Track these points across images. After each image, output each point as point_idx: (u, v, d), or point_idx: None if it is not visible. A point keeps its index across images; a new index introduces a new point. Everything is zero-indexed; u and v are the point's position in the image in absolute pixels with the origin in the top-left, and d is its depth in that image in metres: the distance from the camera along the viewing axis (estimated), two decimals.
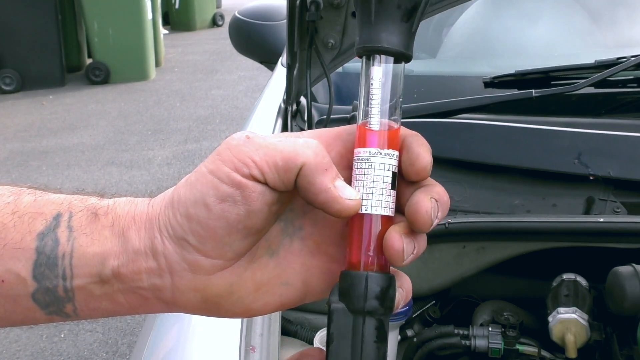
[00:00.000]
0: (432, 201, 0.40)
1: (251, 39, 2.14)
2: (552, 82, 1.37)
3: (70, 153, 4.80)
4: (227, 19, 4.68)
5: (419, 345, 1.12)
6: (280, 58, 1.93)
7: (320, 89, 1.58)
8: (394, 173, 0.41)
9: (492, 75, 1.41)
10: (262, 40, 2.10)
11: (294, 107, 1.45)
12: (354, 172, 0.42)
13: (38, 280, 0.40)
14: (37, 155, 4.76)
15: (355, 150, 0.42)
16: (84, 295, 0.41)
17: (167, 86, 6.77)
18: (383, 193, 0.41)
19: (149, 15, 6.87)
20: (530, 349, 1.08)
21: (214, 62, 7.93)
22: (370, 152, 0.41)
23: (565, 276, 1.10)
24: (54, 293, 0.41)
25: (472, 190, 1.18)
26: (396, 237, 0.40)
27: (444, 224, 1.04)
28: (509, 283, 1.23)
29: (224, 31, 8.71)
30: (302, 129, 1.42)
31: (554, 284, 1.10)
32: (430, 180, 0.42)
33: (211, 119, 5.59)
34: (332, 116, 1.26)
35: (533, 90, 1.23)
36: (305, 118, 1.34)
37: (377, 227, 0.41)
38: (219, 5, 11.02)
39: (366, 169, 0.41)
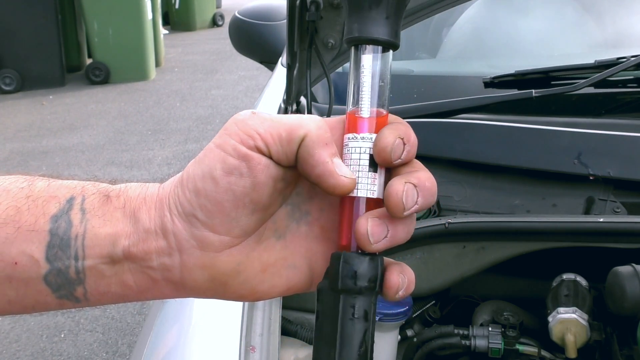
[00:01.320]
0: (408, 185, 0.40)
1: (251, 39, 2.14)
2: (552, 82, 1.37)
3: (70, 153, 4.80)
4: (227, 19, 4.68)
5: (419, 345, 1.12)
6: (280, 58, 1.93)
7: (320, 89, 1.58)
8: (371, 155, 0.42)
9: (492, 75, 1.41)
10: (262, 40, 2.10)
11: (294, 107, 1.45)
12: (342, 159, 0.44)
13: (51, 261, 0.41)
14: (37, 155, 4.76)
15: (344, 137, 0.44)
16: (95, 277, 0.42)
17: (167, 86, 6.77)
18: (360, 176, 0.42)
19: (149, 15, 6.87)
20: (530, 349, 1.08)
21: (214, 62, 7.93)
22: (348, 138, 0.43)
23: (565, 276, 1.10)
24: (65, 275, 0.41)
25: (472, 190, 1.18)
26: (362, 221, 0.40)
27: (444, 224, 1.04)
28: (509, 283, 1.23)
29: (224, 31, 8.72)
30: None
31: (554, 284, 1.10)
32: (417, 166, 0.42)
33: (211, 119, 5.60)
34: (332, 116, 1.25)
35: (533, 90, 1.23)
36: None
37: (357, 209, 0.42)
38: (219, 5, 11.02)
39: (346, 154, 0.43)
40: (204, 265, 0.42)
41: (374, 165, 0.42)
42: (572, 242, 1.06)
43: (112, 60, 6.75)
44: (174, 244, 0.41)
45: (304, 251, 0.44)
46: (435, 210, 1.15)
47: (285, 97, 1.44)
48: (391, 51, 0.43)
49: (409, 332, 1.15)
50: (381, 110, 0.43)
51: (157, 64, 7.41)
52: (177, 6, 10.04)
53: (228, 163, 0.40)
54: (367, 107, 0.43)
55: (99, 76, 6.77)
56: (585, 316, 1.03)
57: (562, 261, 1.16)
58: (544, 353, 1.07)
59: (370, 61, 0.43)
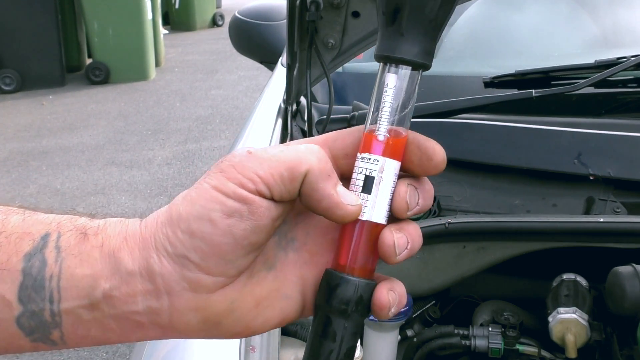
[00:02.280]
0: (410, 187, 0.42)
1: (251, 39, 2.14)
2: (552, 82, 1.37)
3: (70, 153, 4.80)
4: (227, 19, 4.68)
5: (419, 345, 1.12)
6: (280, 58, 1.93)
7: (320, 89, 1.58)
8: (366, 177, 0.41)
9: (492, 75, 1.41)
10: (262, 40, 2.10)
11: (294, 107, 1.45)
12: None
13: (24, 303, 0.38)
14: (37, 155, 4.76)
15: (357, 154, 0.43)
16: (72, 321, 0.39)
17: (167, 86, 6.77)
18: (362, 198, 0.42)
19: (149, 15, 6.87)
20: (530, 349, 1.08)
21: (214, 62, 7.93)
22: (360, 157, 0.42)
23: (565, 276, 1.10)
24: (39, 317, 0.39)
25: (472, 190, 1.18)
26: (387, 234, 0.41)
27: (444, 224, 1.04)
28: (509, 283, 1.23)
29: (224, 31, 8.71)
30: (302, 129, 1.42)
31: (554, 284, 1.10)
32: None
33: (211, 119, 5.59)
34: (332, 116, 1.26)
35: (533, 90, 1.23)
36: (305, 118, 1.34)
37: (362, 229, 0.42)
38: (219, 5, 11.02)
39: (354, 172, 0.42)
40: (197, 308, 0.40)
41: (367, 187, 0.42)
42: (572, 242, 1.06)
43: (112, 60, 6.75)
44: (161, 287, 0.39)
45: (296, 279, 0.43)
46: (435, 210, 1.15)
47: (285, 97, 1.44)
48: (421, 71, 0.42)
49: (409, 332, 1.15)
50: (399, 131, 0.42)
51: (157, 64, 7.41)
52: (177, 6, 10.04)
53: (228, 206, 0.38)
54: (384, 129, 0.41)
55: (99, 76, 6.76)
56: (585, 316, 1.02)
57: (562, 261, 1.16)
58: (544, 353, 1.07)
59: (394, 81, 0.41)
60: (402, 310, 1.04)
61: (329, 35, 1.19)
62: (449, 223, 1.04)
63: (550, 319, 1.04)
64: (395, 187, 0.42)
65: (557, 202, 1.14)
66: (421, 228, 1.02)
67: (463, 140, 1.20)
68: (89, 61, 7.09)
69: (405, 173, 0.43)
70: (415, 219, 1.08)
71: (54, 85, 6.51)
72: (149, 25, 6.86)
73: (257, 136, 1.38)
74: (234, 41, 2.20)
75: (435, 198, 1.16)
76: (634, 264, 0.99)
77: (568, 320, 1.02)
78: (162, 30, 7.94)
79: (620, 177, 1.12)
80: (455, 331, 1.09)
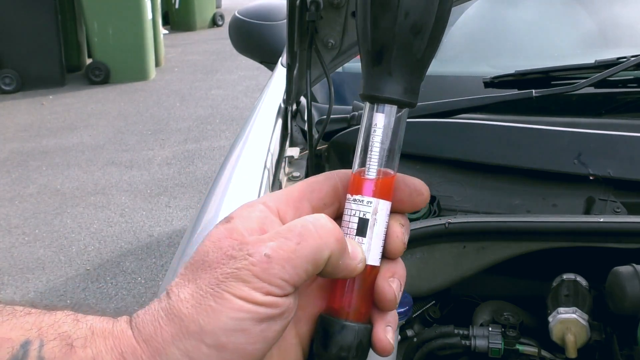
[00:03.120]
0: (402, 227, 0.42)
1: (251, 39, 2.14)
2: (552, 82, 1.37)
3: (70, 153, 4.80)
4: (227, 19, 4.68)
5: (419, 345, 1.12)
6: (280, 58, 1.93)
7: (320, 89, 1.58)
8: (360, 219, 0.41)
9: (492, 75, 1.41)
10: (262, 40, 2.10)
11: (294, 107, 1.45)
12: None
13: None
14: (37, 155, 4.76)
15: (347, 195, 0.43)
16: None
17: (167, 86, 6.77)
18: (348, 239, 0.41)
19: (149, 15, 6.87)
20: (530, 349, 1.08)
21: (214, 62, 7.93)
22: (349, 199, 0.42)
23: (565, 276, 1.10)
24: None
25: (472, 190, 1.17)
26: (386, 287, 0.41)
27: (444, 224, 1.04)
28: (509, 283, 1.23)
29: (224, 31, 8.70)
30: (302, 129, 1.42)
31: (554, 284, 1.10)
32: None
33: (211, 119, 5.59)
34: (332, 116, 1.26)
35: (533, 90, 1.23)
36: (305, 118, 1.34)
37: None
38: (219, 5, 11.01)
39: (345, 214, 0.42)
40: None
41: (362, 230, 0.41)
42: (572, 242, 1.06)
43: (112, 60, 6.75)
44: None
45: (295, 340, 0.43)
46: (435, 210, 1.15)
47: (285, 97, 1.44)
48: (407, 110, 0.42)
49: (409, 332, 1.14)
50: (389, 170, 0.42)
51: (157, 64, 7.41)
52: (177, 6, 10.04)
53: (260, 313, 0.36)
54: (374, 170, 0.41)
55: (99, 76, 6.76)
56: (585, 316, 1.02)
57: (562, 261, 1.15)
58: (544, 353, 1.07)
59: (382, 120, 0.41)
60: (403, 310, 1.04)
61: (329, 35, 1.19)
62: (449, 223, 1.03)
63: (550, 319, 1.04)
64: (387, 228, 0.42)
65: (557, 202, 1.14)
66: (421, 228, 1.03)
67: (463, 140, 1.20)
68: (89, 61, 7.09)
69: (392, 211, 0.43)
70: (415, 219, 1.08)
71: (54, 85, 6.51)
72: (149, 25, 6.86)
73: (257, 136, 1.38)
74: (234, 41, 2.20)
75: (435, 198, 1.16)
76: (634, 264, 0.99)
77: (568, 320, 1.02)
78: (162, 30, 7.94)
79: (620, 177, 1.12)
80: (455, 331, 1.09)
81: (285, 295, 0.37)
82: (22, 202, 3.98)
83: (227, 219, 0.40)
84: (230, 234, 0.39)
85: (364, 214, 0.41)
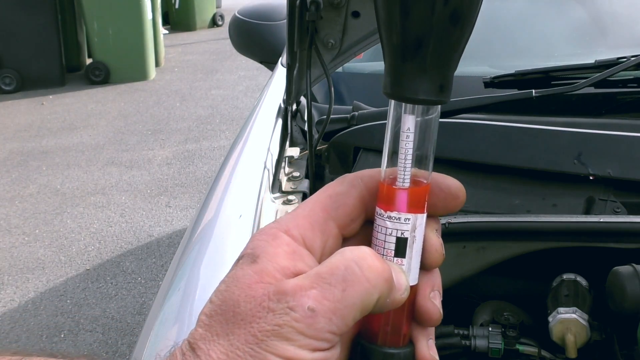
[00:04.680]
0: (438, 234, 0.39)
1: (251, 39, 2.14)
2: (552, 82, 1.37)
3: (70, 153, 4.80)
4: (227, 19, 4.68)
5: None
6: (280, 58, 1.93)
7: (320, 89, 1.58)
8: (398, 239, 0.37)
9: (492, 75, 1.41)
10: (262, 40, 2.10)
11: (294, 107, 1.45)
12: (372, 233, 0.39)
13: None
14: (37, 155, 4.76)
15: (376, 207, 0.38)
16: None
17: (167, 86, 6.77)
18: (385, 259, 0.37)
19: (149, 15, 6.87)
20: (530, 349, 1.07)
21: (214, 62, 7.93)
22: (378, 213, 0.38)
23: (565, 276, 1.10)
24: None
25: (472, 190, 1.17)
26: (430, 306, 0.38)
27: (444, 224, 1.04)
28: (509, 283, 1.23)
29: (224, 31, 8.70)
30: (302, 129, 1.42)
31: (554, 284, 1.10)
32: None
33: (211, 119, 5.59)
34: (332, 116, 1.26)
35: (533, 90, 1.23)
36: (305, 118, 1.34)
37: None
38: (219, 5, 11.01)
39: (374, 229, 0.38)
40: None
41: (401, 250, 0.37)
42: (572, 242, 1.06)
43: (112, 60, 6.75)
44: None
45: None
46: None
47: (285, 97, 1.44)
48: (439, 106, 0.37)
49: None
50: (422, 179, 0.37)
51: (157, 64, 7.41)
52: (177, 6, 10.04)
53: None
54: (407, 179, 0.37)
55: (99, 76, 6.76)
56: (585, 316, 1.02)
57: (562, 261, 1.15)
58: (544, 353, 1.07)
59: (412, 123, 0.36)
60: None
61: (329, 35, 1.19)
62: (449, 223, 1.03)
63: (550, 319, 1.04)
64: (424, 240, 0.38)
65: (557, 202, 1.14)
66: None
67: (463, 140, 1.20)
68: (89, 61, 7.09)
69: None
70: None
71: (53, 85, 6.51)
72: (149, 25, 6.86)
73: (257, 136, 1.38)
74: (234, 41, 2.20)
75: None
76: (634, 264, 0.99)
77: (568, 320, 1.02)
78: (162, 30, 7.94)
79: (620, 177, 1.12)
80: (455, 331, 1.09)
81: (333, 347, 0.34)
82: (22, 202, 3.98)
83: (252, 258, 0.35)
84: (260, 277, 0.34)
85: (402, 233, 0.37)
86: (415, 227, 0.37)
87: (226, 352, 0.33)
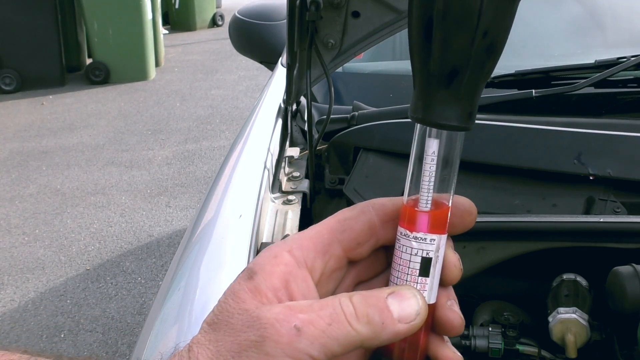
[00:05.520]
0: (454, 253, 0.41)
1: (251, 39, 2.14)
2: (552, 82, 1.37)
3: (70, 153, 4.80)
4: (227, 19, 4.68)
5: None
6: (280, 58, 1.93)
7: (320, 89, 1.58)
8: (423, 258, 0.38)
9: (492, 75, 1.41)
10: (262, 40, 2.10)
11: (294, 107, 1.45)
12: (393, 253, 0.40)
13: None
14: (37, 155, 4.76)
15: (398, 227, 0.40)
16: None
17: (167, 86, 6.77)
18: (409, 280, 0.39)
19: (149, 15, 6.87)
20: (530, 349, 1.07)
21: (214, 62, 7.93)
22: (400, 233, 0.39)
23: (565, 276, 1.10)
24: None
25: (472, 190, 1.17)
26: (457, 318, 0.40)
27: None
28: (509, 283, 1.23)
29: (224, 31, 8.70)
30: (302, 129, 1.42)
31: (554, 284, 1.10)
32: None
33: (211, 119, 5.59)
34: (332, 116, 1.26)
35: (533, 90, 1.23)
36: (305, 118, 1.34)
37: None
38: (219, 5, 11.01)
39: (397, 249, 0.39)
40: None
41: (425, 269, 0.38)
42: (572, 242, 1.06)
43: (112, 60, 6.75)
44: None
45: None
46: None
47: (285, 97, 1.44)
48: (463, 132, 0.38)
49: None
50: (443, 202, 0.39)
51: (157, 64, 7.41)
52: (177, 6, 10.04)
53: None
54: (428, 202, 0.38)
55: (99, 76, 6.77)
56: (585, 316, 1.02)
57: (562, 261, 1.15)
58: (544, 353, 1.07)
59: (436, 147, 0.37)
60: None
61: (329, 35, 1.19)
62: None
63: (550, 319, 1.04)
64: (446, 256, 0.40)
65: (557, 202, 1.14)
66: None
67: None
68: (89, 61, 7.09)
69: None
70: None
71: (53, 85, 6.51)
72: (149, 25, 6.86)
73: (257, 136, 1.38)
74: (234, 41, 2.20)
75: None
76: (634, 264, 0.99)
77: (568, 320, 1.02)
78: (162, 30, 7.94)
79: (620, 177, 1.12)
80: None
81: None
82: (22, 202, 3.98)
83: (250, 274, 0.38)
84: (253, 295, 0.37)
85: (427, 253, 0.38)
86: (439, 247, 0.39)
87: (211, 356, 0.35)
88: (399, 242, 0.39)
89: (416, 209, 0.38)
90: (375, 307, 0.37)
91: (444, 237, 0.39)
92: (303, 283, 0.38)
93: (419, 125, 0.38)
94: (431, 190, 0.38)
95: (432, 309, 0.40)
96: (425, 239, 0.38)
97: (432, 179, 0.38)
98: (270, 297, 0.37)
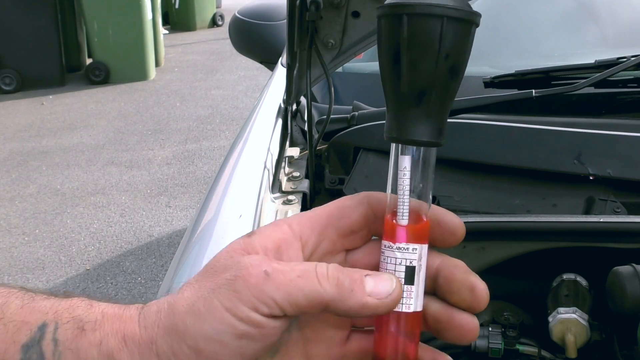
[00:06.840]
0: (479, 278, 0.41)
1: (251, 39, 2.14)
2: (552, 82, 1.37)
3: (70, 153, 4.80)
4: (227, 19, 4.68)
5: None
6: (280, 58, 1.93)
7: (320, 89, 1.58)
8: (407, 267, 0.40)
9: (492, 75, 1.41)
10: (262, 40, 2.10)
11: (294, 107, 1.45)
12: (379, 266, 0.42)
13: None
14: (37, 155, 4.76)
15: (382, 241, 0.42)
16: None
17: (167, 86, 6.77)
18: None
19: (149, 15, 6.87)
20: (530, 349, 1.07)
21: (214, 62, 7.93)
22: (384, 245, 0.41)
23: (565, 276, 1.10)
24: None
25: (472, 190, 1.17)
26: (472, 321, 0.41)
27: None
28: (509, 283, 1.23)
29: (224, 31, 8.70)
30: (302, 129, 1.42)
31: (554, 284, 1.10)
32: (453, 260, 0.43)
33: (211, 119, 5.59)
34: (332, 116, 1.26)
35: (533, 90, 1.22)
36: (305, 118, 1.34)
37: (395, 324, 0.41)
38: (219, 5, 11.01)
39: (382, 262, 0.41)
40: None
41: (410, 277, 0.40)
42: (572, 242, 1.06)
43: (112, 60, 6.75)
44: None
45: (301, 358, 0.43)
46: None
47: (285, 97, 1.44)
48: (435, 148, 0.41)
49: None
50: (421, 216, 0.41)
51: (157, 64, 7.41)
52: (177, 6, 10.04)
53: (240, 329, 0.37)
54: (404, 214, 0.40)
55: (99, 76, 6.77)
56: (585, 316, 1.02)
57: (562, 261, 1.15)
58: (544, 353, 1.07)
59: (410, 163, 0.40)
60: None
61: (329, 35, 1.19)
62: None
63: (550, 319, 1.04)
64: (473, 282, 0.41)
65: (557, 202, 1.14)
66: None
67: (463, 140, 1.20)
68: (89, 61, 7.09)
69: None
70: None
71: (53, 85, 6.51)
72: (149, 25, 6.86)
73: (257, 136, 1.38)
74: (234, 41, 2.20)
75: (435, 198, 1.16)
76: (634, 264, 0.99)
77: (568, 320, 1.02)
78: (162, 30, 7.94)
79: (620, 177, 1.12)
80: None
81: (272, 317, 0.38)
82: (22, 202, 3.98)
83: (249, 234, 0.41)
84: (245, 247, 0.40)
85: (410, 262, 0.40)
86: (421, 256, 0.41)
87: (192, 293, 0.39)
88: (384, 255, 0.41)
89: (394, 221, 0.41)
90: (349, 276, 0.39)
91: (426, 246, 0.41)
92: (294, 252, 0.41)
93: (393, 144, 0.41)
94: (406, 204, 0.40)
95: (418, 317, 0.41)
96: (407, 248, 0.40)
97: (407, 193, 0.40)
98: (259, 253, 0.40)
